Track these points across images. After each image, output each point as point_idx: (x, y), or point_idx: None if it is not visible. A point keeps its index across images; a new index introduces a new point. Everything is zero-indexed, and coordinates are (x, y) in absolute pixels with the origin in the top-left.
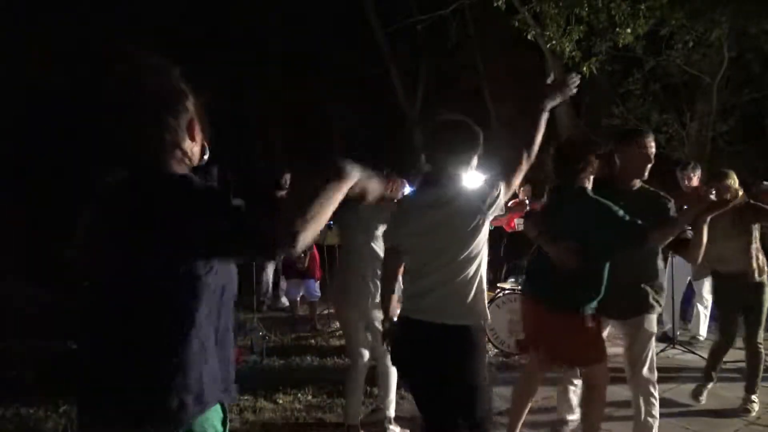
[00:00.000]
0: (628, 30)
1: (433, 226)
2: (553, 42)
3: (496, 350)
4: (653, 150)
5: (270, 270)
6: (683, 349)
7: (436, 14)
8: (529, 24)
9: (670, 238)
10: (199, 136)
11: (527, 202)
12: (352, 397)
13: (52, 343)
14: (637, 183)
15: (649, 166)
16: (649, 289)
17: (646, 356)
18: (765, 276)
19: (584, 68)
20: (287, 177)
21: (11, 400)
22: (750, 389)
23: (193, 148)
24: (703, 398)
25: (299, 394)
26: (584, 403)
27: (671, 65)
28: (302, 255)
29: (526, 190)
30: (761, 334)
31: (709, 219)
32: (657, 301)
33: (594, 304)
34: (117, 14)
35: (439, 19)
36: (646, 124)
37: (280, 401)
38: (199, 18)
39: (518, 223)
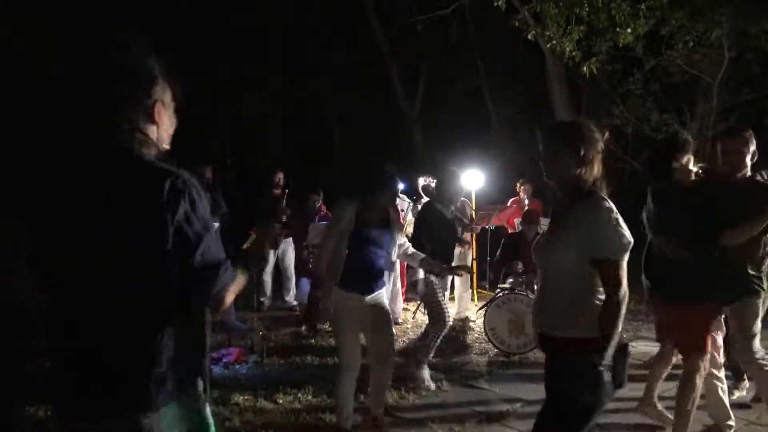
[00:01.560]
0: (628, 30)
1: None
2: (553, 42)
3: (496, 350)
4: (750, 144)
5: (268, 269)
6: None
7: (436, 14)
8: (529, 24)
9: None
10: (163, 122)
11: (526, 201)
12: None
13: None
14: (743, 174)
15: (744, 159)
16: (754, 272)
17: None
18: None
19: (584, 68)
20: (280, 176)
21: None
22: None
23: (154, 131)
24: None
25: (299, 394)
26: (679, 387)
27: (671, 65)
28: (312, 255)
29: (527, 189)
30: None
31: None
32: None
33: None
34: (117, 14)
35: (439, 19)
36: (646, 124)
37: (280, 401)
38: (199, 18)
39: (518, 223)
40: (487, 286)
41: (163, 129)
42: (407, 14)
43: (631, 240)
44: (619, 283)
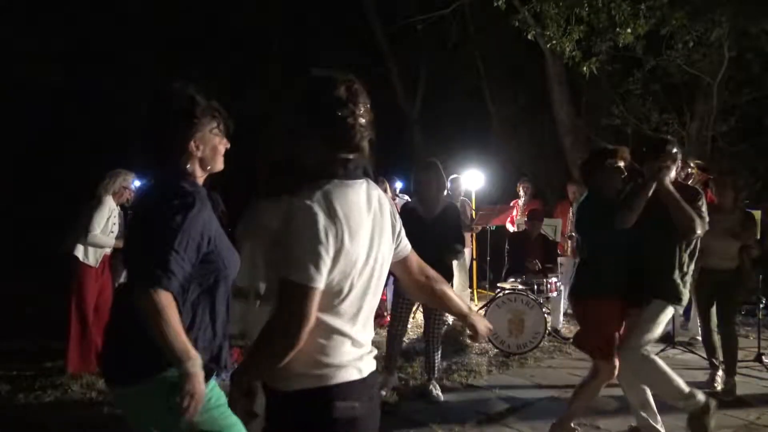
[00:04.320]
0: (628, 30)
1: None
2: (553, 42)
3: (496, 350)
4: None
5: None
6: (683, 349)
7: (436, 14)
8: (529, 24)
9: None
10: (205, 153)
11: (522, 200)
12: None
13: (51, 343)
14: None
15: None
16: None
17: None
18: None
19: (584, 68)
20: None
21: (11, 397)
22: (730, 372)
23: (195, 163)
24: (718, 385)
25: None
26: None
27: (671, 65)
28: None
29: (526, 188)
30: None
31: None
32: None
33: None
34: (118, 14)
35: (439, 19)
36: (646, 124)
37: None
38: (200, 18)
39: (519, 223)
40: (487, 286)
41: (203, 159)
42: (407, 14)
43: None
44: None
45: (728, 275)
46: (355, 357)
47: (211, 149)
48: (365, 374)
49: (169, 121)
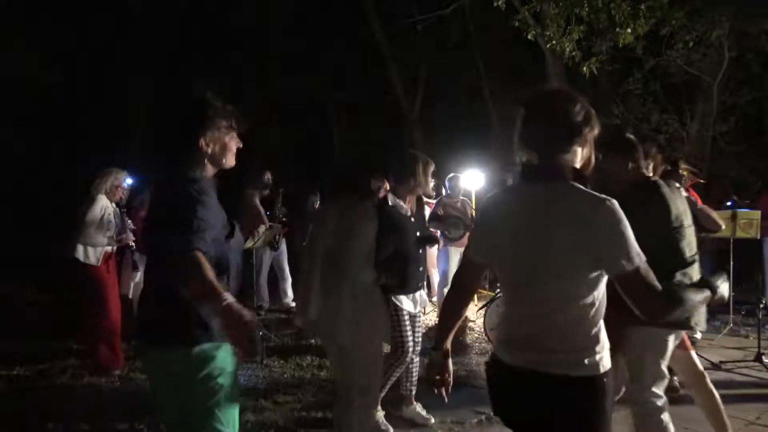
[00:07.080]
0: (628, 30)
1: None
2: (553, 42)
3: None
4: None
5: (264, 273)
6: None
7: (436, 14)
8: (529, 24)
9: None
10: (215, 152)
11: None
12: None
13: (51, 343)
14: None
15: None
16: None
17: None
18: None
19: (584, 68)
20: (268, 175)
21: (11, 397)
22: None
23: (204, 161)
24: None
25: (299, 394)
26: None
27: (671, 65)
28: None
29: None
30: None
31: None
32: None
33: None
34: (118, 14)
35: (439, 18)
36: (646, 123)
37: (280, 401)
38: (200, 18)
39: None
40: (486, 286)
41: (214, 158)
42: (407, 14)
43: None
44: None
45: None
46: None
47: (221, 147)
48: None
49: (180, 120)
